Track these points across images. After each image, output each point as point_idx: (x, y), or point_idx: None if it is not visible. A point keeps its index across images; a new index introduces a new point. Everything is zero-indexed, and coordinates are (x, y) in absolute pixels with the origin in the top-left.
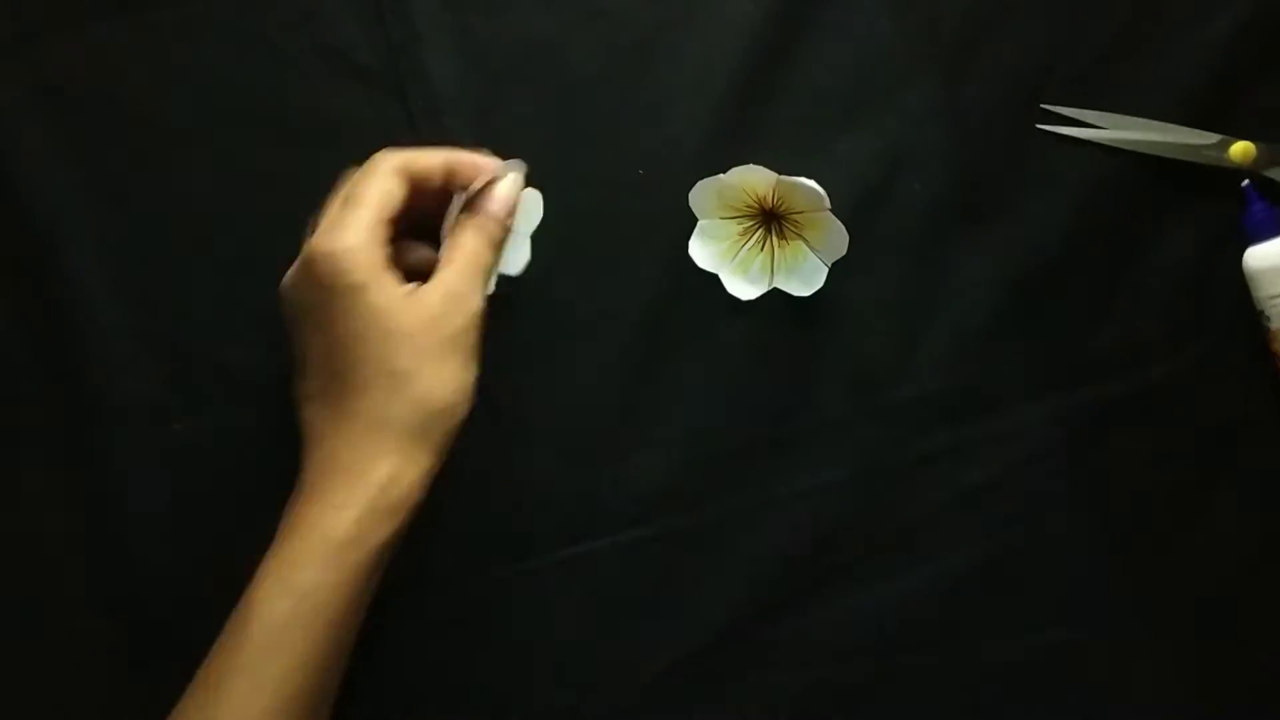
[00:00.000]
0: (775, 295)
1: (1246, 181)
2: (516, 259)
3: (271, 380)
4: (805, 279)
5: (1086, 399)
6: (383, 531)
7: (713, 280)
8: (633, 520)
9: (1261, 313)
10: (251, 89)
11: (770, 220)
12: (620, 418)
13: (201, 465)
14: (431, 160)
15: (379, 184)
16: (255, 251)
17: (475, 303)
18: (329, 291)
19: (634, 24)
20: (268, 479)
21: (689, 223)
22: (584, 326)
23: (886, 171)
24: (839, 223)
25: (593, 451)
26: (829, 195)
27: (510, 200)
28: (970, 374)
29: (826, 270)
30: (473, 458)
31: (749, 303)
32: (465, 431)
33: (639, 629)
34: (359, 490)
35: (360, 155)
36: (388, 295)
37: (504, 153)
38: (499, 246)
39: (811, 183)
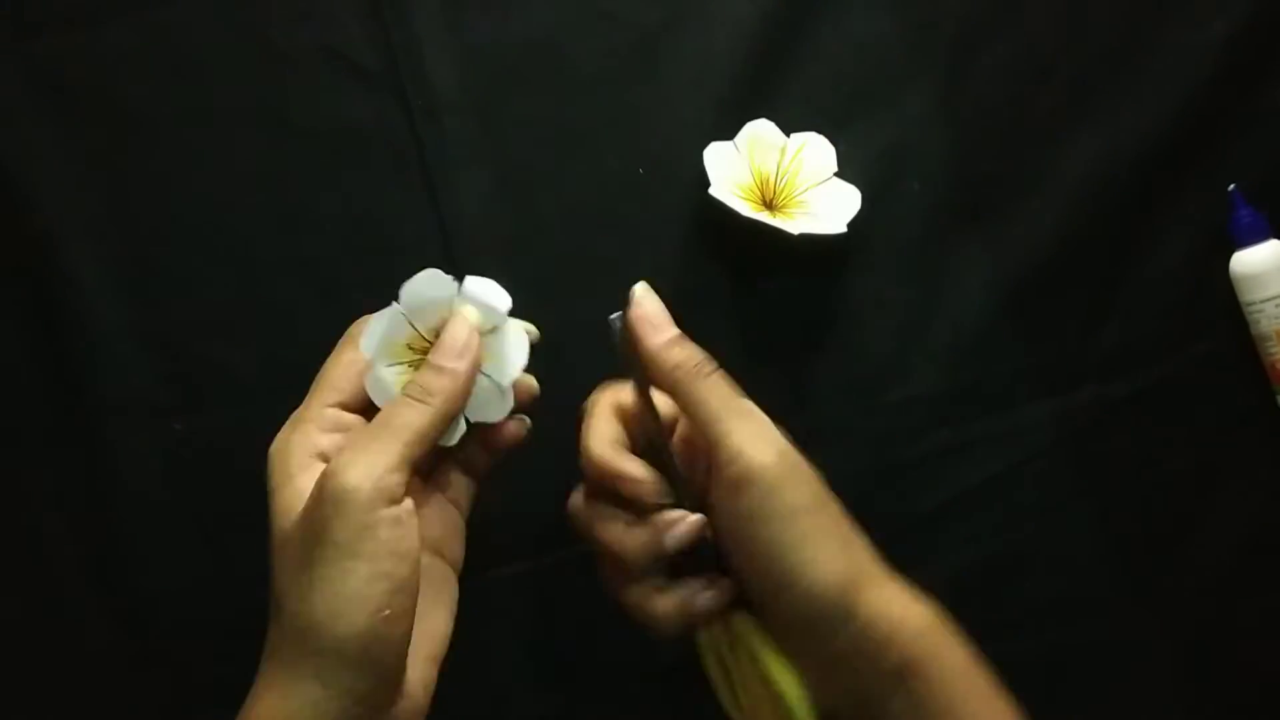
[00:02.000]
0: (776, 295)
1: (1233, 186)
2: (494, 407)
3: (271, 380)
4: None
5: (1086, 399)
6: None
7: (713, 280)
8: None
9: (1248, 317)
10: (251, 89)
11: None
12: None
13: (201, 465)
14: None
15: (338, 359)
16: (255, 251)
17: (351, 481)
18: (269, 496)
19: (634, 24)
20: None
21: (689, 222)
22: (583, 326)
23: (886, 171)
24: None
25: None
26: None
27: (458, 343)
28: (970, 374)
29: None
30: None
31: (749, 303)
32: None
33: (638, 629)
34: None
35: (360, 155)
36: (285, 499)
37: (504, 152)
38: (436, 398)
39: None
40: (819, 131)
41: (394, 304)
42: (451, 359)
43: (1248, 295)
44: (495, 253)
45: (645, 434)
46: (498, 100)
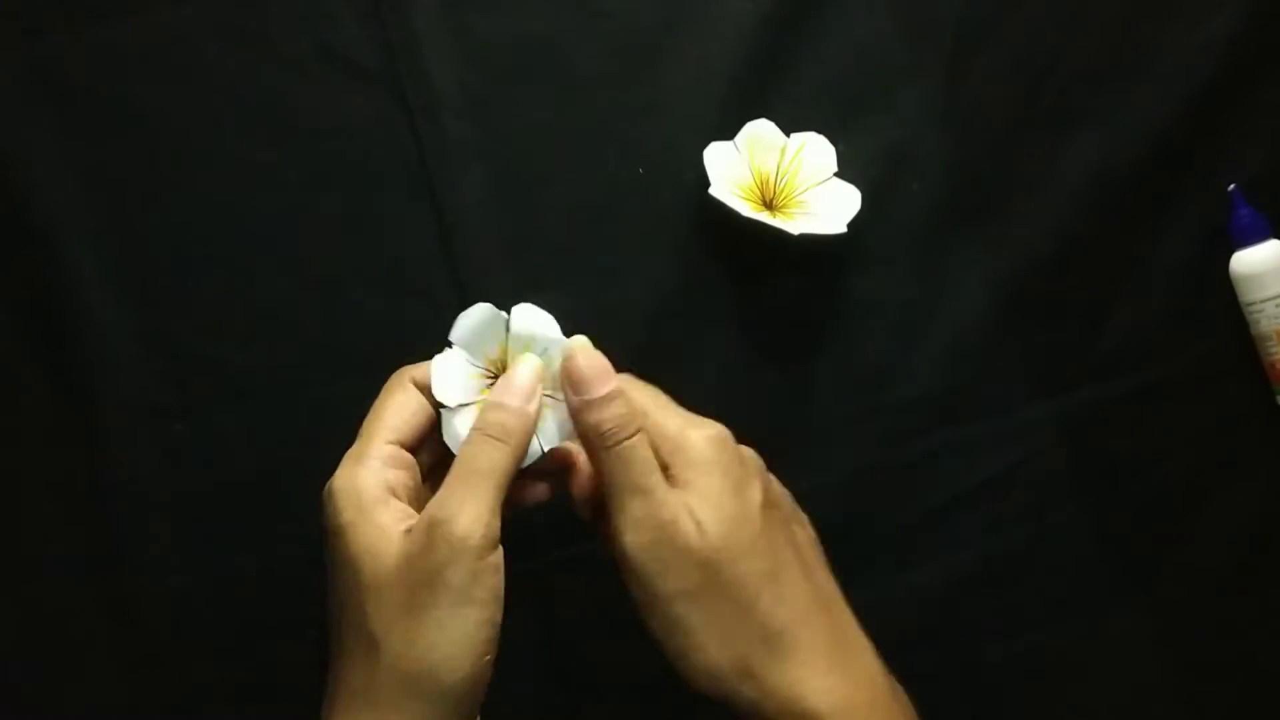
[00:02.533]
0: (776, 295)
1: (1233, 186)
2: (546, 434)
3: (271, 380)
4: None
5: (1086, 399)
6: None
7: (713, 280)
8: None
9: (1248, 317)
10: (251, 89)
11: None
12: None
13: (201, 465)
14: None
15: (392, 400)
16: (255, 251)
17: (461, 529)
18: (328, 536)
19: (634, 24)
20: (268, 479)
21: (689, 222)
22: (584, 327)
23: (886, 171)
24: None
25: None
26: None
27: (522, 384)
28: (970, 374)
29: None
30: None
31: (749, 303)
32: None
33: (639, 629)
34: None
35: (360, 155)
36: (368, 537)
37: (504, 152)
38: (512, 439)
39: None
40: (819, 132)
41: (450, 348)
42: (522, 400)
43: (1248, 295)
44: (495, 252)
45: None
46: (498, 100)
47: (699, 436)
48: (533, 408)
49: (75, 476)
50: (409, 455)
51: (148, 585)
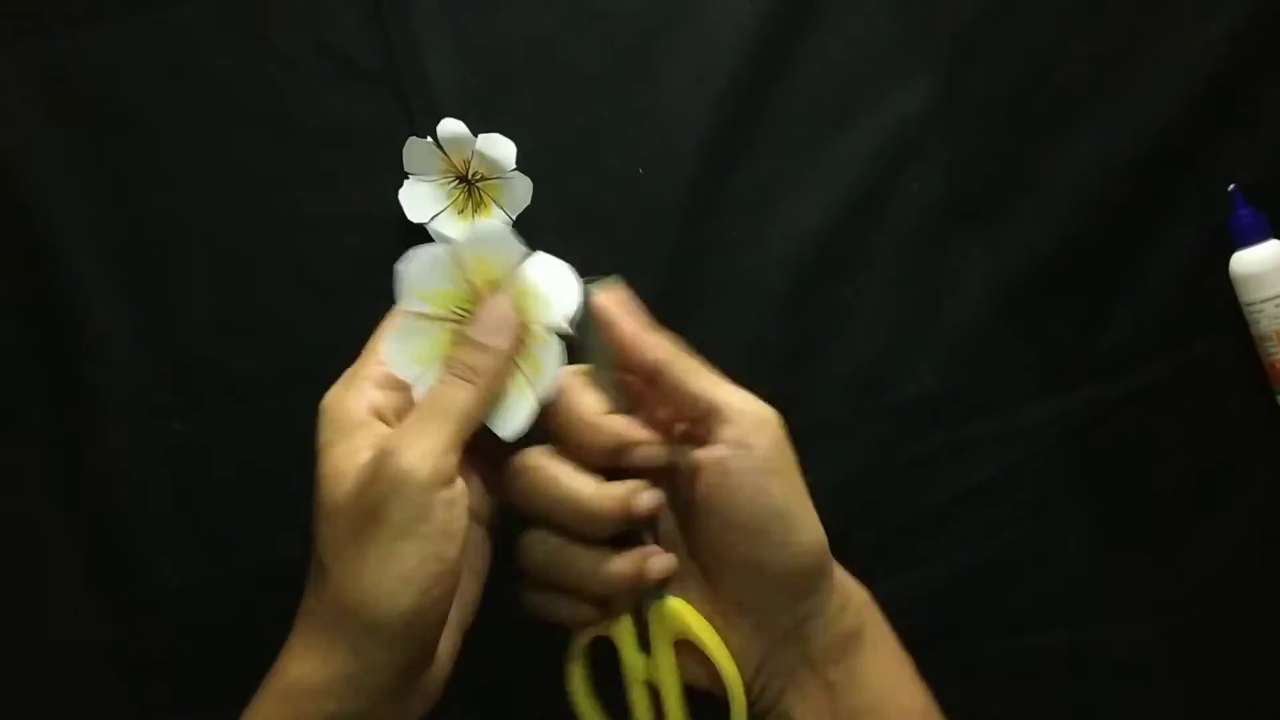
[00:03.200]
0: (776, 295)
1: (1233, 186)
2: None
3: (271, 380)
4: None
5: (1086, 399)
6: None
7: (713, 279)
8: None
9: (1248, 317)
10: (251, 89)
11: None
12: None
13: (201, 465)
14: None
15: (387, 325)
16: (255, 251)
17: (406, 462)
18: (317, 451)
19: (634, 24)
20: (268, 479)
21: (689, 222)
22: (584, 326)
23: (886, 171)
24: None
25: None
26: (828, 193)
27: (497, 320)
28: (970, 374)
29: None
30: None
31: (749, 302)
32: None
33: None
34: (269, 684)
35: (360, 155)
36: (335, 460)
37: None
38: (481, 379)
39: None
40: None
41: (449, 245)
42: (493, 335)
43: (1248, 295)
44: None
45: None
46: (498, 100)
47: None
48: (504, 343)
49: (75, 476)
50: (386, 399)
51: (148, 585)
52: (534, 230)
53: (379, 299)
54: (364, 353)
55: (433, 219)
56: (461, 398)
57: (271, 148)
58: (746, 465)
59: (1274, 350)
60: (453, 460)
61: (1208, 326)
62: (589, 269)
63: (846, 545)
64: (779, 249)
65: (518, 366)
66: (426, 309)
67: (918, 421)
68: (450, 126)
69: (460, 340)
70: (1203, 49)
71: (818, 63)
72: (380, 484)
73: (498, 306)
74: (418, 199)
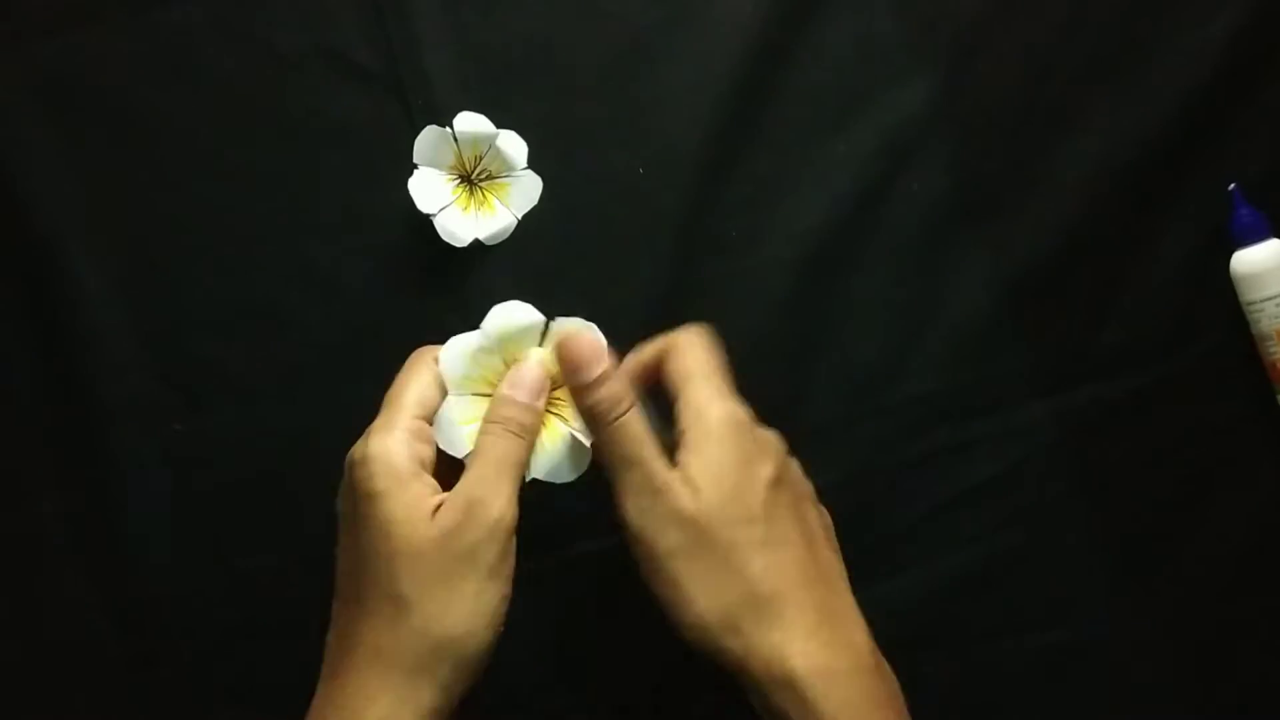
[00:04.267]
0: (776, 295)
1: (1233, 186)
2: (575, 463)
3: (271, 380)
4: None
5: (1086, 399)
6: None
7: (713, 279)
8: None
9: (1248, 317)
10: (251, 89)
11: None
12: None
13: (201, 465)
14: None
15: (416, 377)
16: (255, 251)
17: (496, 511)
18: (355, 499)
19: (634, 24)
20: (268, 479)
21: (689, 222)
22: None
23: (886, 171)
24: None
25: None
26: (828, 193)
27: (533, 382)
28: (970, 374)
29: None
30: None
31: (749, 302)
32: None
33: (639, 629)
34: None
35: (360, 155)
36: (405, 506)
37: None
38: (528, 435)
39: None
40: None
41: (480, 331)
42: (530, 396)
43: (1248, 295)
44: (494, 252)
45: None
46: (498, 100)
47: (718, 411)
48: (541, 404)
49: (75, 476)
50: (430, 430)
51: (148, 585)
52: (534, 230)
53: (379, 298)
54: (392, 404)
55: (440, 211)
56: (517, 448)
57: (271, 148)
58: (634, 542)
59: (1274, 350)
60: (517, 510)
61: (1208, 326)
62: (589, 269)
63: (847, 545)
64: (779, 249)
65: (561, 418)
66: (469, 391)
67: (918, 421)
68: (469, 120)
69: (504, 401)
70: (1203, 49)
71: (818, 63)
72: (473, 530)
73: (532, 370)
74: (427, 189)
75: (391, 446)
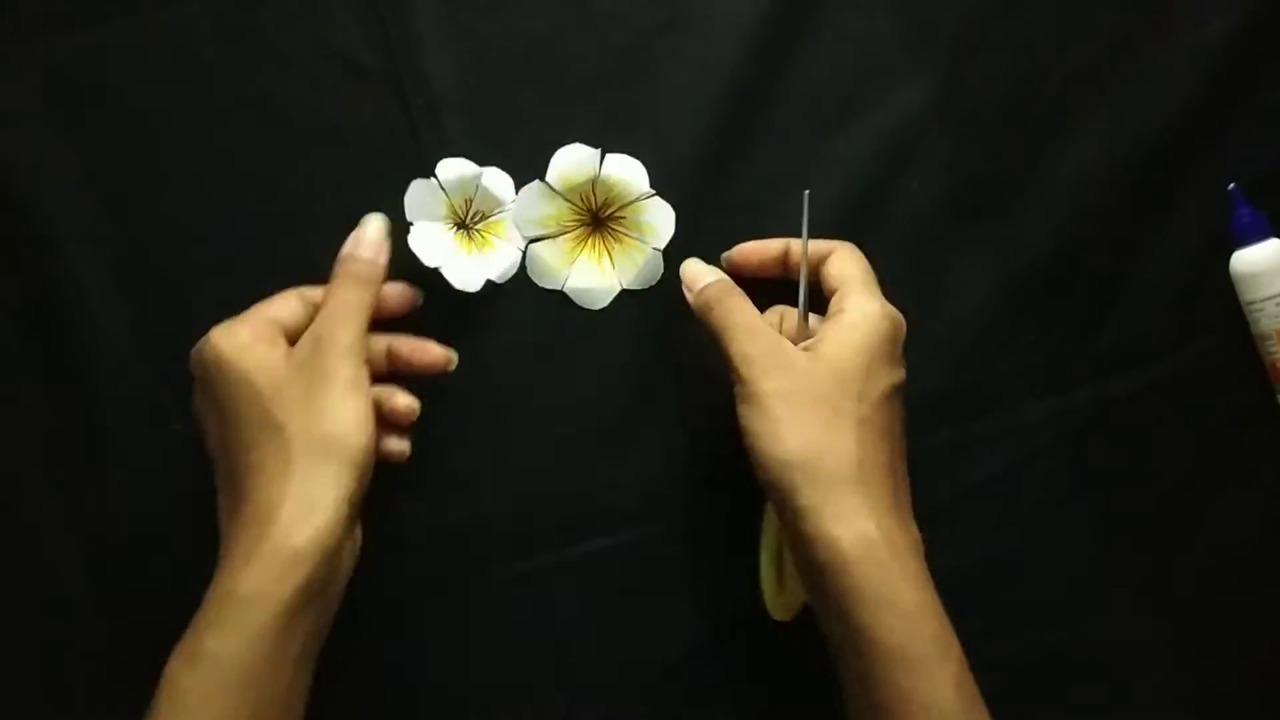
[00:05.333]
0: (776, 295)
1: (1232, 185)
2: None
3: None
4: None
5: (1086, 399)
6: (289, 583)
7: None
8: (632, 520)
9: (1248, 317)
10: (251, 89)
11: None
12: (620, 417)
13: (201, 465)
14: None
15: (275, 297)
16: (255, 251)
17: (345, 339)
18: (210, 374)
19: (634, 24)
20: None
21: (690, 222)
22: (584, 327)
23: (886, 171)
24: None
25: (592, 452)
26: (828, 193)
27: (375, 241)
28: (970, 374)
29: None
30: (473, 458)
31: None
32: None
33: (639, 629)
34: (259, 542)
35: (360, 155)
36: (257, 357)
37: (504, 152)
38: (370, 284)
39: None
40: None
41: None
42: (372, 253)
43: (1248, 294)
44: None
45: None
46: (498, 100)
47: (879, 307)
48: (382, 259)
49: (75, 476)
50: (280, 334)
51: (148, 585)
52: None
53: None
54: (244, 313)
55: (447, 262)
56: (363, 295)
57: (272, 148)
58: (741, 380)
59: (1274, 349)
60: (365, 339)
61: (1208, 326)
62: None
63: None
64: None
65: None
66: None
67: (918, 421)
68: (452, 166)
69: (348, 257)
70: (1203, 49)
71: (818, 63)
72: (328, 355)
73: (376, 231)
74: (427, 243)
75: (233, 329)
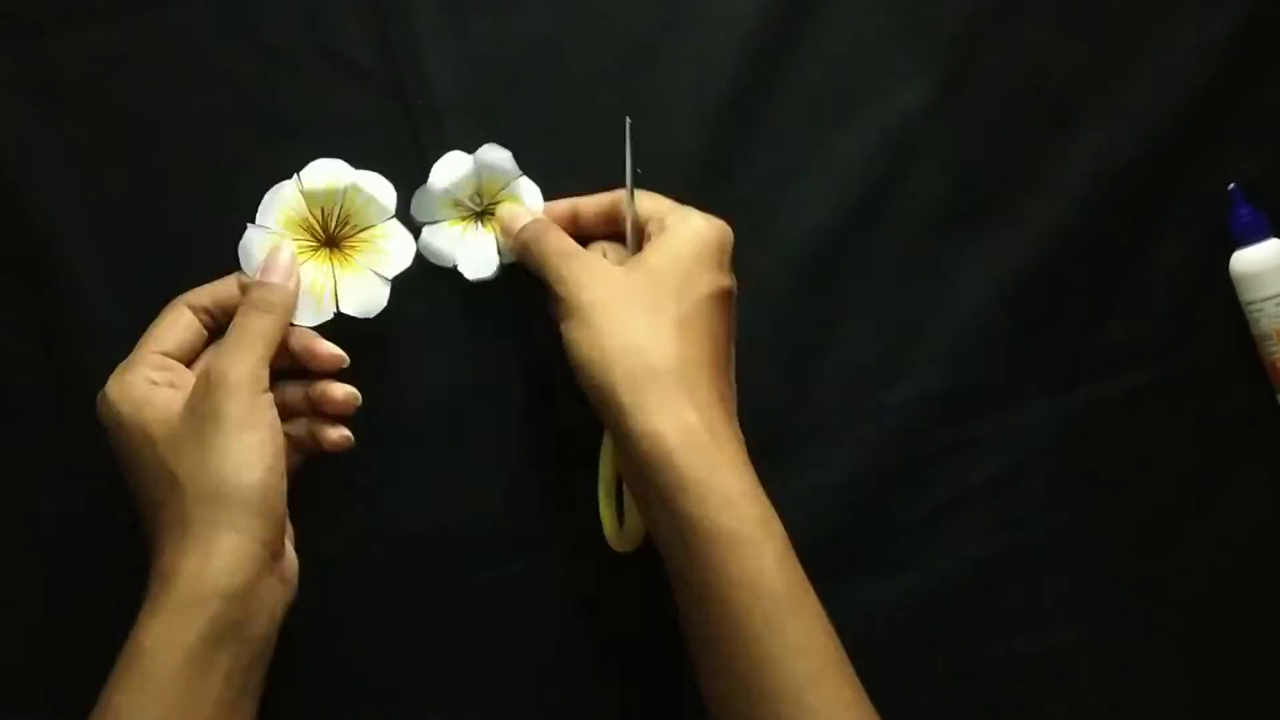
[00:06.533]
0: (775, 295)
1: (1233, 185)
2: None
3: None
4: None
5: (1086, 399)
6: (192, 630)
7: None
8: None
9: (1248, 317)
10: (251, 89)
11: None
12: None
13: None
14: (223, 289)
15: (161, 321)
16: None
17: (234, 375)
18: (114, 434)
19: (634, 24)
20: None
21: None
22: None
23: (886, 171)
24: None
25: (592, 452)
26: (828, 193)
27: (285, 266)
28: (970, 374)
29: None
30: (468, 461)
31: (748, 302)
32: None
33: (639, 629)
34: (161, 596)
35: (360, 156)
36: (152, 408)
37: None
38: (279, 312)
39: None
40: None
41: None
42: (282, 277)
43: (1248, 294)
44: None
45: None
46: (498, 100)
47: (700, 221)
48: (292, 284)
49: (75, 476)
50: (173, 361)
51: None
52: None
53: None
54: (138, 347)
55: (461, 253)
56: (266, 322)
57: (271, 148)
58: (559, 299)
59: (1274, 349)
60: (266, 371)
61: (1208, 326)
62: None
63: (847, 544)
64: (779, 249)
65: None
66: (279, 229)
67: (918, 421)
68: (432, 183)
69: (258, 281)
70: (1203, 49)
71: (818, 62)
72: (215, 394)
73: (287, 256)
74: (437, 243)
75: (126, 379)
